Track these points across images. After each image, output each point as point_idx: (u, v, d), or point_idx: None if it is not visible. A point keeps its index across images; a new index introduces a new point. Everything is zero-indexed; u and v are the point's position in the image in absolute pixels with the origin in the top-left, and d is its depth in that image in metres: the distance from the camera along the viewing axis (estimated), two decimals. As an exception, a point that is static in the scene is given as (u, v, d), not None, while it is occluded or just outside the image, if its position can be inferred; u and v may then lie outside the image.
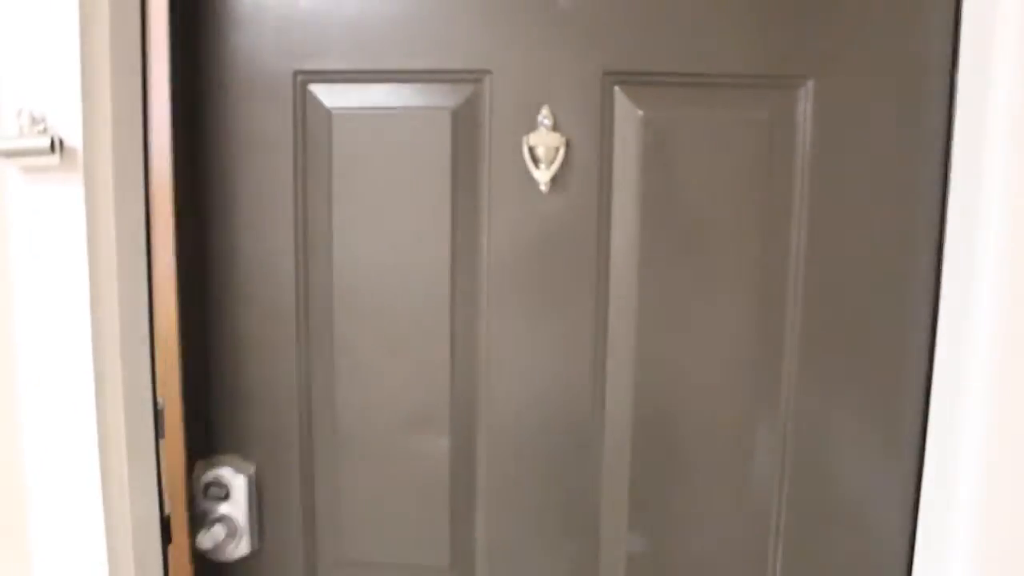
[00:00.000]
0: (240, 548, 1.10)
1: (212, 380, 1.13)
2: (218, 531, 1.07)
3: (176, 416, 1.17)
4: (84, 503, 1.09)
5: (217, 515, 1.10)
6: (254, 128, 1.10)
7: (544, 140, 1.00)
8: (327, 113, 1.08)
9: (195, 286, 1.11)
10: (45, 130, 1.03)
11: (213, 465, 1.12)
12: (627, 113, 1.05)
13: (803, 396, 1.09)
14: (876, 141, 1.05)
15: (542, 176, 1.01)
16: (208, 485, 1.11)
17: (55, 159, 1.03)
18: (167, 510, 1.23)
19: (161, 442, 1.22)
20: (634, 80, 1.03)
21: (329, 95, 1.09)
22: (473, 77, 1.04)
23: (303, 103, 1.09)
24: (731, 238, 1.06)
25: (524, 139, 1.02)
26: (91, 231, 1.05)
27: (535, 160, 1.01)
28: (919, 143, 1.05)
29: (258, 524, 1.11)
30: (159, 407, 1.22)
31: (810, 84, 1.03)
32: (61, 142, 1.03)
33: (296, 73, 1.08)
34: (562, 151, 1.01)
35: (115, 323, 1.09)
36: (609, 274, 1.07)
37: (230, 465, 1.14)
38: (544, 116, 1.02)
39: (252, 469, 1.11)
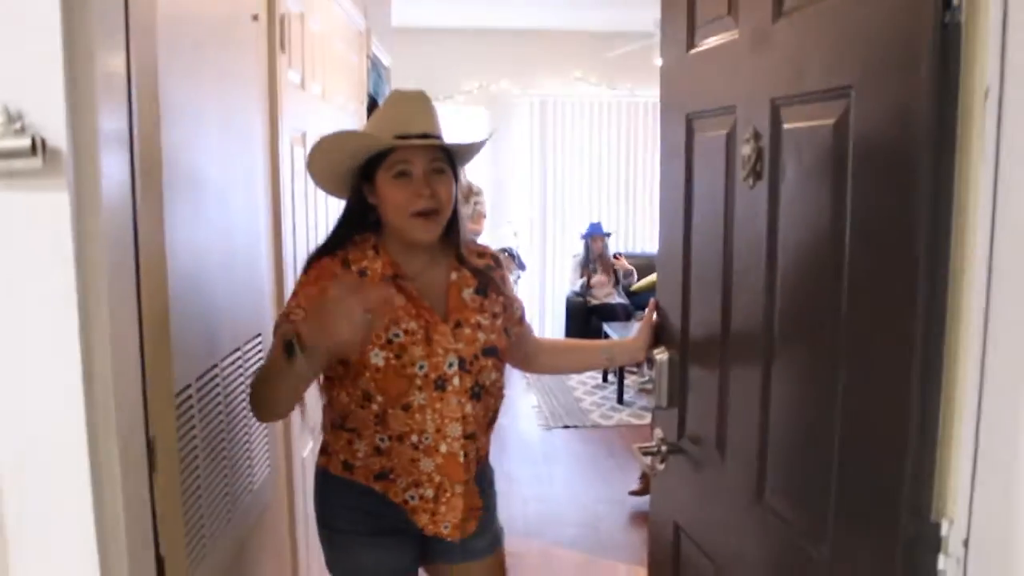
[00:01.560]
0: (660, 400, 1.81)
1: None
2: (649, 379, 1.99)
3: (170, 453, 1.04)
4: (76, 539, 0.96)
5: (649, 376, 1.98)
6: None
7: (747, 148, 1.43)
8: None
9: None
10: (24, 129, 0.88)
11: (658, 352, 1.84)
12: (780, 123, 1.38)
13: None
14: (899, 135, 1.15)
15: (744, 172, 1.44)
16: (648, 360, 1.87)
17: (37, 162, 0.88)
18: (162, 550, 1.11)
19: (154, 476, 1.09)
20: (782, 102, 1.37)
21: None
22: (729, 111, 1.52)
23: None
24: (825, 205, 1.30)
25: (740, 148, 1.47)
26: (79, 245, 0.92)
27: (743, 163, 1.44)
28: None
29: (668, 387, 1.79)
30: (151, 439, 1.09)
31: (852, 92, 1.19)
32: (43, 142, 0.89)
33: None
34: (755, 155, 1.42)
35: (106, 351, 0.95)
36: (778, 233, 1.39)
37: (660, 352, 1.83)
38: (748, 133, 1.43)
39: (667, 355, 1.80)
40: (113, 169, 0.96)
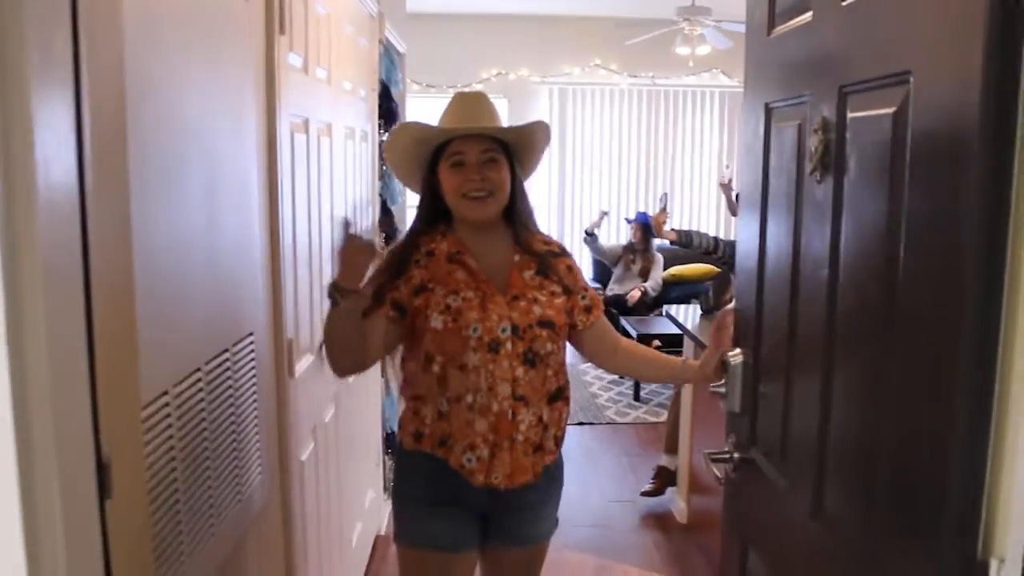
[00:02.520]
0: (732, 405, 1.73)
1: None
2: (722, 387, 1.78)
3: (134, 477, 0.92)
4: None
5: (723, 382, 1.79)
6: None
7: (815, 139, 1.34)
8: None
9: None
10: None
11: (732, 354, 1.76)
12: (846, 113, 1.28)
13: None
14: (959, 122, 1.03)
15: (811, 166, 1.35)
16: (723, 362, 1.78)
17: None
18: (116, 585, 0.99)
19: (108, 503, 0.98)
20: (849, 90, 1.27)
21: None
22: (802, 100, 1.43)
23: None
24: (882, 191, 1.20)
25: (809, 140, 1.37)
26: (7, 246, 0.80)
27: (811, 156, 1.35)
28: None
29: (741, 392, 1.71)
30: (104, 460, 0.97)
31: (911, 78, 1.09)
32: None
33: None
34: (822, 147, 1.33)
35: (42, 364, 0.83)
36: (841, 233, 1.29)
37: (736, 355, 1.75)
38: (817, 123, 1.34)
39: (741, 357, 1.72)
40: (53, 159, 0.85)
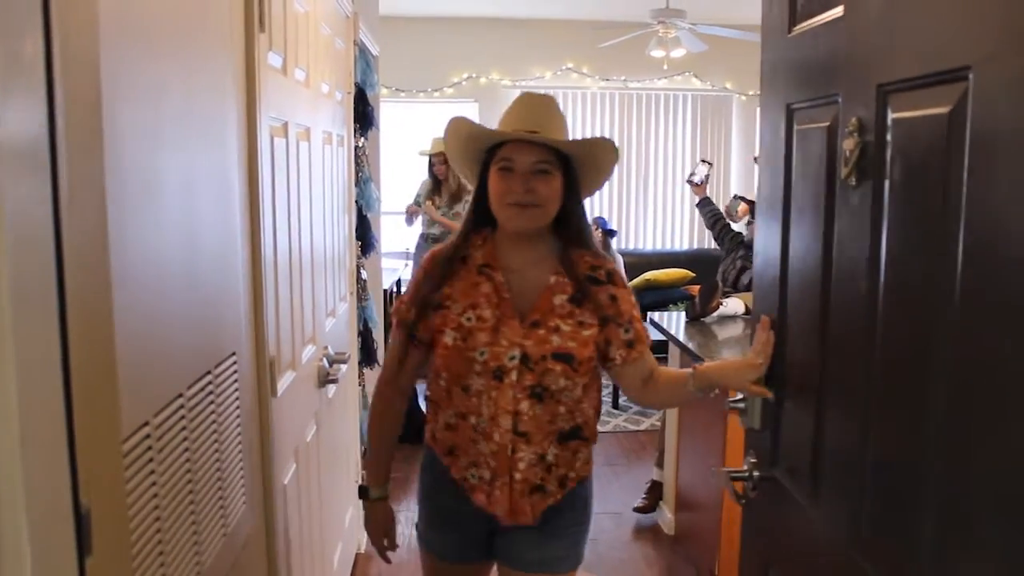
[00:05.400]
0: (753, 422, 1.64)
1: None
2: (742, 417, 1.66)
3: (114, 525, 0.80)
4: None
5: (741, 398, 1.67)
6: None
7: (850, 142, 1.25)
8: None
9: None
10: None
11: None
12: (886, 113, 1.19)
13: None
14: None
15: (845, 170, 1.26)
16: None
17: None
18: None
19: (88, 561, 0.85)
20: (890, 89, 1.18)
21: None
22: (831, 100, 1.34)
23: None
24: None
25: (842, 143, 1.28)
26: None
27: (845, 159, 1.26)
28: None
29: (761, 412, 1.62)
30: (83, 511, 0.84)
31: (971, 75, 0.99)
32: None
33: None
34: (858, 150, 1.23)
35: (10, 404, 0.71)
36: (882, 242, 1.20)
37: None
38: (852, 124, 1.24)
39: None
40: (20, 176, 0.72)
